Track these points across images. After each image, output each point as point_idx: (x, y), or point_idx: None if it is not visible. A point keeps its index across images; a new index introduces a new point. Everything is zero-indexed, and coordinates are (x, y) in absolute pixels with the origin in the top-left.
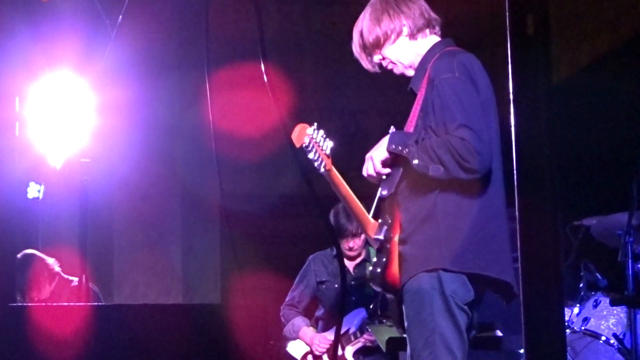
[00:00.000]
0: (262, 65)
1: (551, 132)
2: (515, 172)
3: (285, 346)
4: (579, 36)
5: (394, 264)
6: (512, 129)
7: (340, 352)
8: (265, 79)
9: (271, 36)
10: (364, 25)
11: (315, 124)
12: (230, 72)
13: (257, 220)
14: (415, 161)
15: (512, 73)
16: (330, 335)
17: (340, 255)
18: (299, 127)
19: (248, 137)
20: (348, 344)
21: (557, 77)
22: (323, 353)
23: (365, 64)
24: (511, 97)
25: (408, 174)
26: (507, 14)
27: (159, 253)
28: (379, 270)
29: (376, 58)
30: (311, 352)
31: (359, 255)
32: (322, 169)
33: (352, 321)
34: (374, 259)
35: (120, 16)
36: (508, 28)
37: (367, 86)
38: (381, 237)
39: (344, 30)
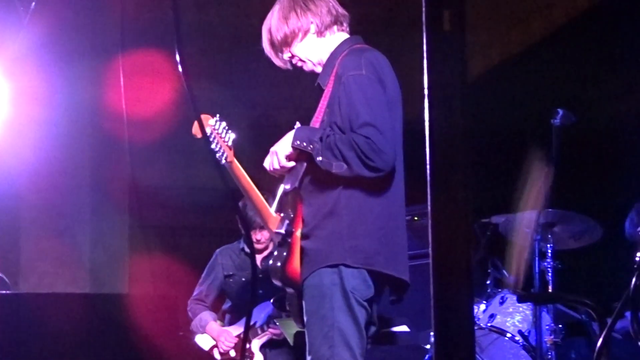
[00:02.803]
0: (177, 55)
1: (465, 128)
2: (428, 167)
3: (194, 337)
4: (490, 35)
5: (295, 258)
6: (426, 124)
7: (247, 345)
8: (180, 68)
9: (185, 27)
10: (272, 24)
11: (218, 115)
12: (144, 59)
13: (168, 211)
14: (319, 158)
15: (427, 68)
16: (235, 332)
17: (252, 247)
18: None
19: (160, 126)
20: (254, 337)
21: (469, 75)
22: (229, 350)
23: (276, 61)
24: (426, 92)
25: (312, 169)
26: (424, 9)
27: (67, 243)
28: (279, 264)
29: (285, 56)
30: (217, 346)
31: (266, 248)
32: (224, 161)
33: (258, 315)
34: (275, 253)
35: (34, 2)
36: (424, 23)
37: (280, 79)
38: (282, 231)
39: (257, 23)
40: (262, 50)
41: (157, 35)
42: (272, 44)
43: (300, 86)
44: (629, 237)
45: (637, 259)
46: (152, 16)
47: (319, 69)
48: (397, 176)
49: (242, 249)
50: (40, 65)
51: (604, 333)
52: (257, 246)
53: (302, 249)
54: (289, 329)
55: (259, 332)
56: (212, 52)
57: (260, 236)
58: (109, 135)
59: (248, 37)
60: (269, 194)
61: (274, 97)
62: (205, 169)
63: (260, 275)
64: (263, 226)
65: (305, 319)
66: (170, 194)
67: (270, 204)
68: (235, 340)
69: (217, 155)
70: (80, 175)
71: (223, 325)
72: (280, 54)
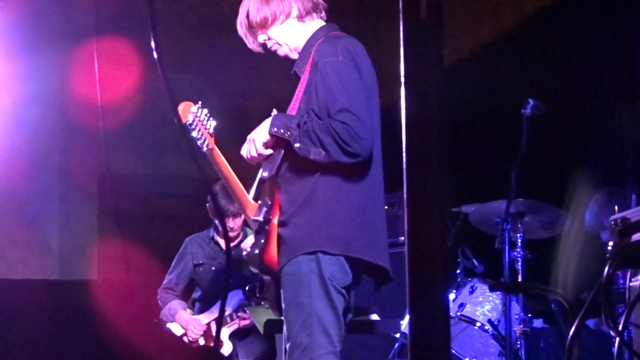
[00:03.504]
0: (153, 42)
1: (442, 116)
2: (404, 155)
3: (165, 326)
4: (461, 25)
5: (272, 245)
6: (403, 112)
7: (220, 332)
8: (155, 55)
9: (155, 14)
10: (252, 5)
11: (200, 102)
12: (117, 46)
13: (137, 199)
14: (297, 144)
15: (404, 56)
16: (205, 320)
17: (226, 234)
18: (183, 105)
19: (132, 114)
20: (224, 325)
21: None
22: (197, 338)
23: (249, 44)
24: (402, 80)
25: (289, 157)
26: None
27: (36, 230)
28: (256, 251)
29: (261, 38)
30: (186, 335)
31: (237, 236)
32: (205, 148)
33: (228, 303)
34: (252, 240)
35: None
36: (401, 11)
37: (251, 67)
38: (260, 218)
39: (228, 11)
40: (234, 34)
41: (131, 21)
42: (249, 25)
43: (272, 74)
44: (590, 228)
45: (609, 248)
46: (127, 2)
47: (294, 55)
48: (374, 163)
49: (212, 238)
50: (9, 51)
51: (575, 323)
52: (229, 234)
53: (279, 237)
54: (259, 317)
55: (228, 320)
56: (182, 40)
57: (232, 224)
58: (78, 122)
59: (218, 25)
60: (248, 182)
61: (245, 85)
62: (175, 157)
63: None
64: (235, 214)
65: (283, 306)
66: (140, 182)
67: (249, 192)
68: (204, 328)
69: (199, 142)
70: (49, 162)
71: (193, 314)
72: (255, 36)
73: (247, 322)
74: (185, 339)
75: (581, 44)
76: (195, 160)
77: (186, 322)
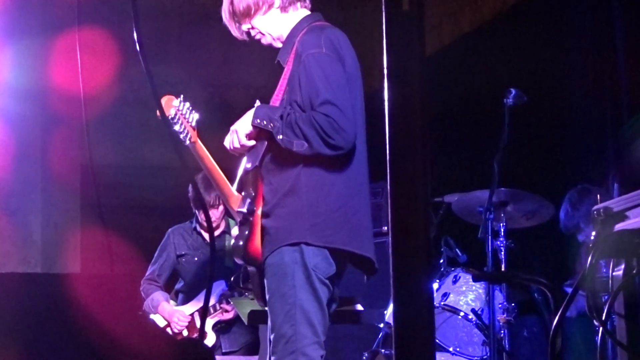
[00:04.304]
0: (135, 35)
1: (424, 107)
2: (388, 145)
3: (149, 316)
4: (441, 14)
5: (257, 236)
6: (386, 102)
7: (199, 324)
8: (138, 48)
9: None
10: None
11: (182, 96)
12: (100, 36)
13: (120, 191)
14: (280, 136)
15: (386, 48)
16: (188, 311)
17: (209, 224)
18: (165, 99)
19: (114, 105)
20: (207, 316)
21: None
22: (182, 329)
23: (234, 31)
24: (385, 71)
25: (272, 148)
26: None
27: (18, 222)
28: (241, 243)
29: (245, 27)
30: (170, 326)
31: (217, 227)
32: (188, 141)
33: (211, 293)
34: (236, 231)
35: None
36: (384, 3)
37: (233, 59)
38: (244, 209)
39: (209, 3)
40: (216, 25)
41: (114, 12)
42: (233, 13)
43: (254, 65)
44: (565, 229)
45: (592, 238)
46: None
47: (277, 44)
48: (358, 154)
49: (194, 229)
50: None
51: (559, 313)
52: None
53: (263, 228)
54: (243, 308)
55: (212, 311)
56: (164, 31)
57: (211, 215)
58: (60, 113)
59: (200, 16)
60: (230, 173)
61: (225, 77)
62: (158, 148)
63: None
64: (213, 205)
65: (267, 297)
66: (123, 173)
67: (232, 183)
68: (188, 319)
69: (181, 136)
70: (31, 153)
71: (176, 305)
72: (239, 25)
73: (229, 314)
74: (169, 330)
75: (562, 33)
76: (178, 153)
77: (169, 314)
